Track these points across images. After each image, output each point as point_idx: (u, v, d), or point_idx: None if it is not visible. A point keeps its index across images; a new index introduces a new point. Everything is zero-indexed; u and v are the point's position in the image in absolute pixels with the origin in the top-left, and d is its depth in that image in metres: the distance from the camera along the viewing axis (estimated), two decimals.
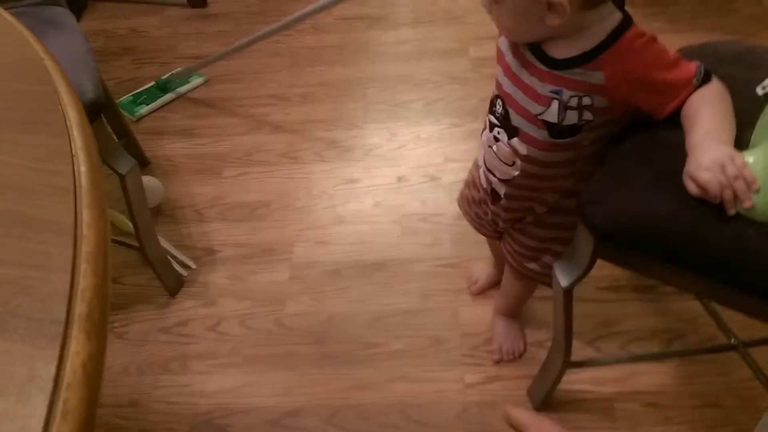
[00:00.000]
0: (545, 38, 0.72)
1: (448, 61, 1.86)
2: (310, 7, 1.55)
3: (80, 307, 0.40)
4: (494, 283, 1.25)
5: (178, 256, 1.34)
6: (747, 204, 0.62)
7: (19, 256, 0.43)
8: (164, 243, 1.35)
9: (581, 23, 0.69)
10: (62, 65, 1.03)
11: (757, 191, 0.63)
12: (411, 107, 1.72)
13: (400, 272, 1.31)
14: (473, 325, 1.20)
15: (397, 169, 1.55)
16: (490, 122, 0.84)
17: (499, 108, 0.81)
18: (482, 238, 1.29)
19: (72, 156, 0.50)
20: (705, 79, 0.71)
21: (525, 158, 0.81)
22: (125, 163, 1.06)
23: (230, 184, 1.54)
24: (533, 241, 0.94)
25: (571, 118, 0.74)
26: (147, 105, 1.75)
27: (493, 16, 0.73)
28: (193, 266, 1.34)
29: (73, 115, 0.53)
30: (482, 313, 1.21)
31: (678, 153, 0.71)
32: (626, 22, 0.71)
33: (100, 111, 1.03)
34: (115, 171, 1.05)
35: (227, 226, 1.44)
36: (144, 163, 1.57)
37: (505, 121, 0.80)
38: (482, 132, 0.91)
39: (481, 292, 1.25)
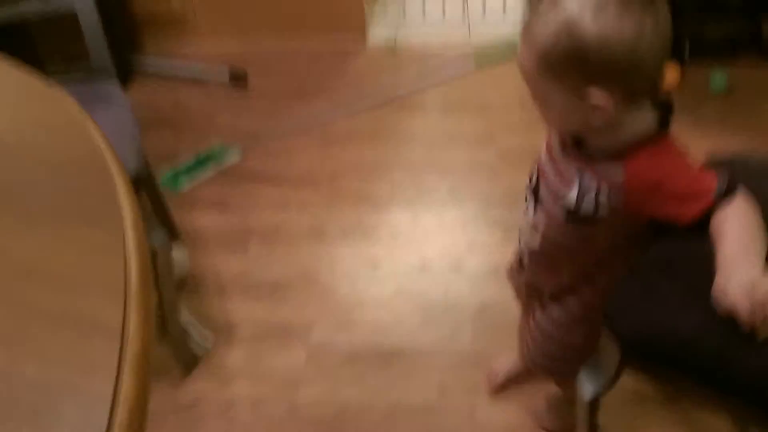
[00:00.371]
0: (588, 131, 0.75)
1: (476, 149, 1.89)
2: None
3: (121, 416, 0.41)
4: (517, 376, 1.21)
5: (196, 331, 1.35)
6: None
7: (67, 355, 0.45)
8: (185, 317, 1.36)
9: (619, 120, 0.72)
10: (110, 139, 1.09)
11: None
12: (437, 193, 1.75)
13: (419, 363, 1.29)
14: (489, 428, 1.17)
15: (421, 255, 1.55)
16: (527, 191, 0.89)
17: (534, 178, 0.86)
18: (503, 332, 1.28)
19: (125, 257, 0.51)
20: (729, 192, 0.71)
21: (543, 234, 0.84)
22: (158, 238, 1.09)
23: (255, 260, 1.56)
24: (547, 325, 0.94)
25: (587, 208, 0.76)
26: (189, 179, 1.81)
27: (540, 111, 0.76)
28: (210, 345, 1.34)
29: (128, 215, 0.55)
30: (499, 416, 1.18)
31: (706, 266, 0.71)
32: (660, 130, 0.74)
33: (139, 186, 1.07)
34: None
35: (248, 303, 1.44)
36: (174, 236, 1.60)
37: (535, 193, 0.85)
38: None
39: (501, 387, 1.22)
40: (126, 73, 2.29)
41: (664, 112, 0.74)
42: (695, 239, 0.75)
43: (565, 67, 0.67)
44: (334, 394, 1.24)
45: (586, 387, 0.85)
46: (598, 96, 0.67)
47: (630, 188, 0.73)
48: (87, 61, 1.24)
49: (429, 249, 1.57)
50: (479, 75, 2.24)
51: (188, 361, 1.28)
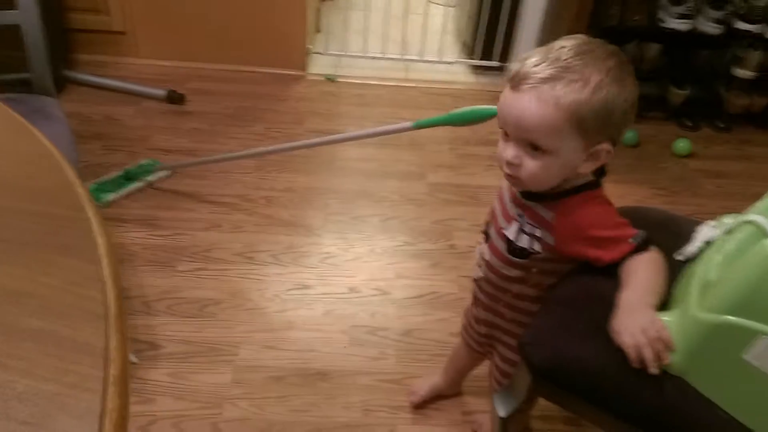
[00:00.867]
0: (563, 181, 0.82)
1: (407, 182, 1.98)
2: (297, 143, 1.74)
3: (108, 428, 0.44)
4: (436, 395, 1.28)
5: None
6: (665, 362, 0.71)
7: (56, 373, 0.48)
8: None
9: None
10: None
11: (674, 350, 0.71)
12: (368, 222, 1.81)
13: (344, 384, 1.32)
14: None
15: (350, 280, 1.60)
16: (481, 234, 1.00)
17: (487, 223, 0.98)
18: (425, 357, 1.35)
19: (103, 282, 0.55)
20: (644, 246, 0.81)
21: (488, 263, 0.95)
22: None
23: (183, 278, 1.55)
24: (499, 359, 1.04)
25: (524, 241, 0.88)
26: (114, 193, 1.78)
27: (516, 168, 0.80)
28: (135, 360, 1.32)
29: (102, 243, 0.58)
30: None
31: (608, 308, 0.80)
32: (594, 183, 0.84)
33: None
34: None
35: (175, 321, 1.43)
36: None
37: (486, 233, 0.98)
38: None
39: (422, 401, 1.28)
40: (59, 83, 2.24)
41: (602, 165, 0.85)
42: (600, 279, 0.84)
43: (594, 124, 0.76)
44: (259, 413, 1.25)
45: (500, 407, 0.92)
46: (606, 148, 0.78)
47: (559, 230, 0.84)
48: (22, 72, 1.23)
49: (358, 275, 1.62)
50: (413, 116, 2.35)
51: None
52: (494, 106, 1.07)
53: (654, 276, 0.79)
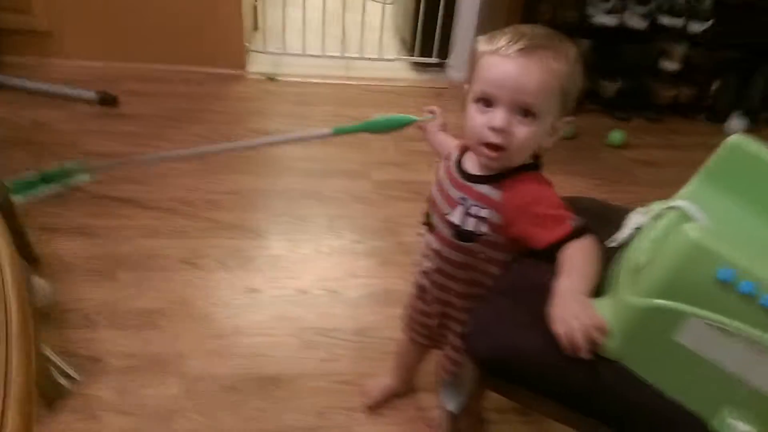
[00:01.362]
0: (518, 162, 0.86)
1: (351, 181, 1.97)
2: (235, 144, 1.69)
3: None
4: (390, 396, 1.28)
5: (60, 364, 1.27)
6: (597, 347, 0.74)
7: None
8: (46, 350, 1.27)
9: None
10: None
11: (608, 335, 0.74)
12: (315, 222, 1.79)
13: (297, 388, 1.31)
14: None
15: (298, 281, 1.58)
16: (422, 227, 0.99)
17: (426, 214, 0.98)
18: (379, 355, 1.35)
19: (4, 300, 0.50)
20: (582, 231, 0.84)
21: (437, 252, 0.96)
22: None
23: (125, 288, 1.50)
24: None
25: (470, 224, 0.89)
26: (24, 194, 1.68)
27: (506, 135, 0.82)
28: (77, 377, 1.26)
29: (5, 257, 0.54)
30: None
31: (544, 294, 0.82)
32: (538, 163, 0.89)
33: None
34: None
35: (117, 334, 1.38)
36: (33, 261, 1.50)
37: (428, 224, 0.98)
38: None
39: (377, 404, 1.28)
40: None
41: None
42: (536, 270, 0.86)
43: (571, 96, 0.82)
44: (212, 424, 1.22)
45: (448, 401, 0.93)
46: (563, 124, 0.85)
47: (506, 206, 0.86)
48: None
49: (307, 276, 1.60)
50: (355, 114, 2.35)
51: (51, 395, 1.20)
52: (412, 115, 1.15)
53: (589, 263, 0.82)
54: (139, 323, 1.41)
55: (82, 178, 1.79)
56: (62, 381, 1.24)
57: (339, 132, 1.34)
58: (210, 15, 2.35)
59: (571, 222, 0.84)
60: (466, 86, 0.89)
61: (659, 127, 2.50)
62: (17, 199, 1.66)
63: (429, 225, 0.98)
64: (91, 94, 2.16)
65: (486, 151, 0.84)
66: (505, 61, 0.80)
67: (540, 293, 0.82)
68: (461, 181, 0.90)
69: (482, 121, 0.83)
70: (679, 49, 2.31)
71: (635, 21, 2.23)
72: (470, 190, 0.89)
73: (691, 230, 0.69)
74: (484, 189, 0.87)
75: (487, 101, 0.83)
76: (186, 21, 2.34)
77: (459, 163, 0.92)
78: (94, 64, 2.38)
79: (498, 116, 0.81)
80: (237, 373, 1.32)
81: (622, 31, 2.26)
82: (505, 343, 0.81)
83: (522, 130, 0.82)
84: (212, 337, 1.40)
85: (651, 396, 0.75)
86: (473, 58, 0.87)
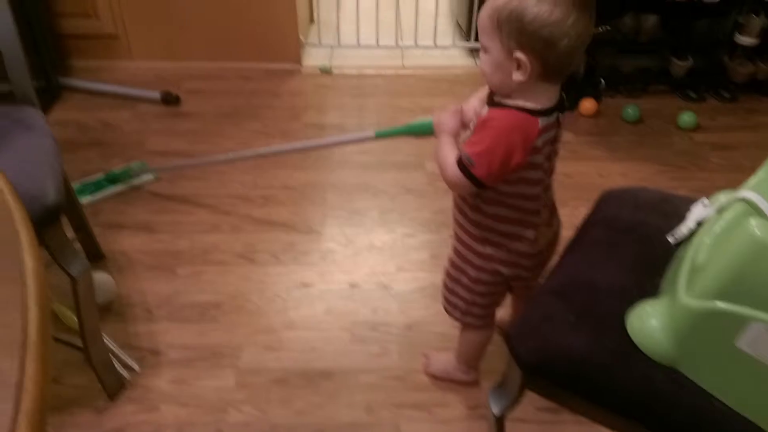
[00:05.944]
0: (510, 92, 0.92)
1: (406, 173, 1.96)
2: (293, 145, 1.79)
3: None
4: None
5: (122, 356, 1.33)
6: None
7: None
8: (109, 343, 1.34)
9: (529, 87, 0.90)
10: (28, 168, 1.06)
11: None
12: (368, 215, 1.79)
13: (347, 382, 1.32)
14: None
15: (351, 276, 1.59)
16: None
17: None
18: (428, 350, 1.36)
19: (24, 311, 0.51)
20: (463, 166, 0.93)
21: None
22: (78, 266, 1.07)
23: (184, 282, 1.55)
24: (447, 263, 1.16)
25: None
26: (91, 195, 1.78)
27: (482, 63, 0.94)
28: (137, 368, 1.32)
29: (29, 263, 0.55)
30: (423, 430, 1.22)
31: (597, 295, 0.78)
32: (522, 108, 0.91)
33: (59, 215, 1.05)
34: (68, 273, 1.06)
35: (176, 326, 1.43)
36: (99, 258, 1.58)
37: None
38: None
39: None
40: (54, 92, 2.24)
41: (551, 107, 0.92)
42: (587, 269, 0.82)
43: (507, 27, 0.86)
44: (263, 417, 1.25)
45: (493, 405, 0.90)
46: (521, 58, 0.86)
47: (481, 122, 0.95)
48: (2, 83, 1.22)
49: (359, 270, 1.60)
50: (410, 105, 2.33)
51: (113, 386, 1.26)
52: None
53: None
54: (197, 316, 1.46)
55: (146, 178, 1.87)
56: (123, 372, 1.30)
57: (381, 135, 1.34)
58: (266, 11, 2.38)
59: (467, 158, 0.92)
60: None
61: (735, 107, 2.33)
62: (85, 199, 1.75)
63: None
64: (155, 95, 2.24)
65: None
66: None
67: (590, 291, 0.78)
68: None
69: None
70: (757, 22, 2.14)
71: None
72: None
73: (756, 227, 0.63)
74: (484, 110, 0.97)
75: None
76: (243, 18, 2.38)
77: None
78: (157, 65, 2.46)
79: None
80: (289, 367, 1.35)
81: (692, 4, 2.11)
82: (551, 344, 0.78)
83: (480, 62, 0.94)
84: (265, 330, 1.43)
85: (708, 405, 0.70)
86: None
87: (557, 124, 0.95)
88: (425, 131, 1.13)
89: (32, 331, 0.49)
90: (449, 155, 0.97)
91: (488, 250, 1.04)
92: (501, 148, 0.89)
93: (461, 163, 0.93)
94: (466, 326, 1.20)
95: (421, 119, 1.16)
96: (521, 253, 1.03)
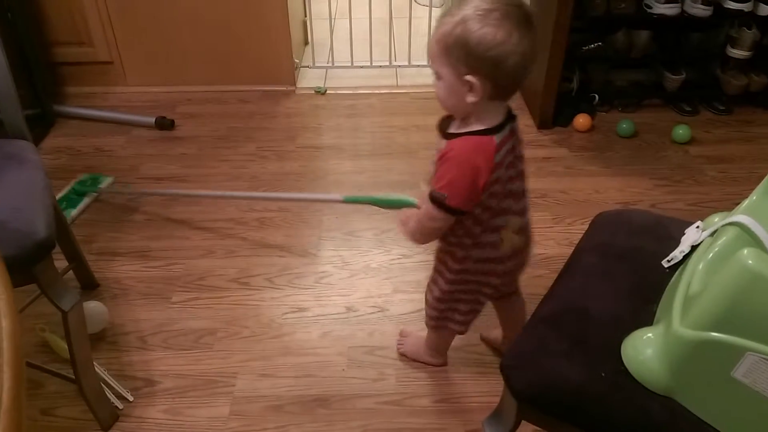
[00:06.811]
0: (465, 114, 0.96)
1: (401, 192, 1.94)
2: (282, 195, 1.87)
3: None
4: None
5: (115, 386, 1.31)
6: None
7: None
8: (102, 372, 1.32)
9: (483, 108, 0.93)
10: (19, 203, 1.05)
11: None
12: (363, 236, 1.78)
13: (343, 409, 1.30)
14: None
15: (347, 298, 1.57)
16: None
17: None
18: (426, 374, 1.37)
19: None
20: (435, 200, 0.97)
21: None
22: (69, 300, 1.06)
23: (178, 310, 1.54)
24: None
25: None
26: (73, 209, 1.83)
27: (436, 90, 0.96)
28: (131, 398, 1.31)
29: (5, 324, 0.53)
30: None
31: (591, 323, 0.77)
32: (483, 132, 0.94)
33: (50, 250, 1.04)
34: (58, 307, 1.05)
35: (170, 354, 1.42)
36: (93, 286, 1.57)
37: None
38: None
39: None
40: (49, 119, 2.24)
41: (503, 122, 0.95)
42: (581, 297, 0.81)
43: (455, 52, 0.88)
44: None
45: None
46: (472, 80, 0.88)
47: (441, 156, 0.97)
48: None
49: (355, 292, 1.59)
50: (404, 124, 2.33)
51: (106, 418, 1.24)
52: (413, 199, 1.22)
53: (420, 221, 1.04)
54: (191, 344, 1.45)
55: (108, 181, 1.94)
56: (117, 402, 1.28)
57: (348, 201, 1.44)
58: (259, 35, 2.39)
59: (438, 193, 0.96)
60: None
61: (729, 119, 2.33)
62: (68, 215, 1.76)
63: None
64: (149, 120, 2.25)
65: None
66: None
67: (584, 320, 0.77)
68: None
69: None
70: (749, 35, 2.14)
71: (697, 9, 2.08)
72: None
73: (749, 257, 0.62)
74: (442, 143, 0.99)
75: None
76: (237, 41, 2.39)
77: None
78: (151, 89, 2.47)
79: None
80: (284, 394, 1.33)
81: (684, 19, 2.12)
82: (545, 375, 0.76)
83: (436, 90, 0.95)
84: (260, 357, 1.41)
85: None
86: None
87: (512, 134, 0.98)
88: (387, 204, 1.19)
89: (5, 398, 0.47)
90: (417, 212, 1.03)
91: (457, 258, 1.09)
92: (466, 174, 0.93)
93: (435, 199, 0.96)
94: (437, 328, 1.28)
95: (383, 194, 1.26)
96: (487, 259, 1.08)
